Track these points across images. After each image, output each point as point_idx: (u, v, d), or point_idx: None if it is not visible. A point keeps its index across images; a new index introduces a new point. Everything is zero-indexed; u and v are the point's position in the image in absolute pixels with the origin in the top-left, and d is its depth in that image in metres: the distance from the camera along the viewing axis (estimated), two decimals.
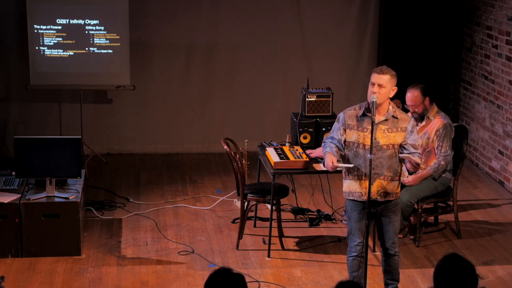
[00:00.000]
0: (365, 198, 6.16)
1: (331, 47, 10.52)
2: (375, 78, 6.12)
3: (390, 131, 6.15)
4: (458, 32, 10.49)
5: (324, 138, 6.36)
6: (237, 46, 10.38)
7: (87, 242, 7.67)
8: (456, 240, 7.86)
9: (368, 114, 6.14)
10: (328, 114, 8.05)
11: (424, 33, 10.44)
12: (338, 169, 6.16)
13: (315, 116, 8.01)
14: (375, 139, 6.10)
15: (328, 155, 6.14)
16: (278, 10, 10.35)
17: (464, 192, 9.05)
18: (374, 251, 7.49)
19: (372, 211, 6.20)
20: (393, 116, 6.17)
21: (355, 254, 6.33)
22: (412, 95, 7.62)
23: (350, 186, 6.24)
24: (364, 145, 6.13)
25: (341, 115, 6.23)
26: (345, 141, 6.20)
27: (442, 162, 7.51)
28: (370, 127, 6.07)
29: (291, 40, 10.45)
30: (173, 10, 10.17)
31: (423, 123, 7.64)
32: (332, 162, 6.07)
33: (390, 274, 6.47)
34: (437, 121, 7.60)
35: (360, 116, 6.17)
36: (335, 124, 6.27)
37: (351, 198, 6.25)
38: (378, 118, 6.12)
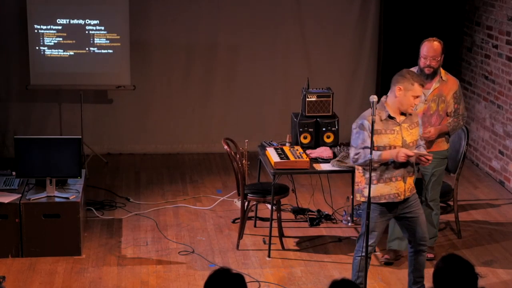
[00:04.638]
0: (401, 198, 6.25)
1: (332, 47, 10.52)
2: (421, 92, 6.20)
3: (411, 128, 6.26)
4: (458, 32, 10.50)
5: (355, 151, 6.19)
6: (238, 46, 10.38)
7: (87, 242, 7.67)
8: (456, 240, 7.86)
9: (393, 116, 6.19)
10: (328, 114, 8.04)
11: (424, 32, 10.35)
12: (409, 159, 6.16)
13: (315, 116, 8.00)
14: (403, 138, 6.18)
15: (391, 151, 6.13)
16: (279, 10, 10.35)
17: (464, 192, 9.05)
18: (374, 251, 7.48)
19: (393, 215, 6.34)
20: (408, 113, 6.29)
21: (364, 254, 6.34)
22: (432, 47, 7.08)
23: (381, 190, 6.24)
24: (395, 147, 6.17)
25: (365, 122, 6.17)
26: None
27: (461, 122, 7.26)
28: (397, 128, 6.18)
29: (291, 39, 10.45)
30: (173, 10, 10.17)
31: (436, 84, 7.14)
32: (405, 153, 6.08)
33: (419, 271, 6.52)
34: (451, 82, 7.19)
35: (384, 120, 6.19)
36: (362, 132, 6.17)
37: (382, 201, 6.25)
38: (400, 118, 6.20)
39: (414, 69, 7.10)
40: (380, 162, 6.16)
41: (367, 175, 6.20)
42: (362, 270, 6.31)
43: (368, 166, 6.10)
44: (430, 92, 7.10)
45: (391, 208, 6.31)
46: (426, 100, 7.05)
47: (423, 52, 7.08)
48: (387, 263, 7.28)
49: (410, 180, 6.30)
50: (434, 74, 7.11)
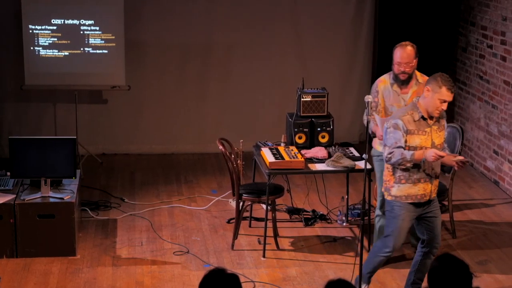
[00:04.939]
0: (427, 199, 6.33)
1: (327, 47, 10.52)
2: (450, 97, 6.17)
3: (439, 130, 6.30)
4: (453, 32, 10.51)
5: (388, 150, 6.19)
6: (233, 46, 10.38)
7: (82, 242, 7.66)
8: (451, 240, 7.87)
9: (425, 117, 6.21)
10: (323, 114, 8.03)
11: (419, 32, 10.44)
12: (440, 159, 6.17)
13: (310, 116, 8.00)
14: (432, 140, 6.21)
15: (422, 151, 6.14)
16: (274, 10, 10.35)
17: (459, 192, 9.06)
18: (369, 251, 7.48)
19: (416, 214, 6.38)
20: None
21: (390, 253, 6.43)
22: (406, 52, 6.97)
23: (409, 190, 6.27)
24: (425, 148, 6.18)
25: (399, 122, 6.17)
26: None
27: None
28: (428, 130, 6.20)
29: (287, 39, 10.45)
30: (168, 10, 10.16)
31: (413, 88, 7.07)
32: (436, 153, 6.09)
33: (422, 273, 6.53)
34: None
35: (417, 120, 6.20)
36: (396, 132, 6.16)
37: (409, 201, 6.29)
38: (430, 120, 6.23)
39: (388, 75, 7.08)
40: (412, 162, 6.17)
41: (397, 174, 6.28)
42: (379, 268, 6.43)
43: (400, 165, 6.18)
44: (409, 97, 7.05)
45: (416, 208, 6.35)
46: (406, 105, 6.96)
47: (397, 58, 6.97)
48: None
49: (436, 182, 6.36)
50: (409, 78, 7.04)
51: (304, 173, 7.68)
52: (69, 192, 7.50)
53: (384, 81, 7.10)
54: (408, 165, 6.19)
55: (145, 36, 10.18)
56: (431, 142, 6.22)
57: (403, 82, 7.00)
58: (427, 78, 7.06)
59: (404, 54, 6.95)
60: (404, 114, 6.22)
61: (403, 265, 7.28)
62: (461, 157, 6.24)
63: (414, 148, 6.18)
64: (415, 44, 7.04)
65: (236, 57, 10.41)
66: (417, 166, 6.21)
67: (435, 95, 6.14)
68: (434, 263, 4.36)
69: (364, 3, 10.47)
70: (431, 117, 6.23)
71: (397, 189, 6.29)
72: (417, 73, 7.10)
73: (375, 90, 7.12)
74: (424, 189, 6.29)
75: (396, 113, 6.37)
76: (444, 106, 6.18)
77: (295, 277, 7.09)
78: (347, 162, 7.40)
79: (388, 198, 6.37)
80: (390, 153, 6.18)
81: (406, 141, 6.17)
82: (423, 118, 6.20)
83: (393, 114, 6.42)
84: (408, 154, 6.12)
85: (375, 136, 7.23)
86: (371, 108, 6.46)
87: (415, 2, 10.42)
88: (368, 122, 6.42)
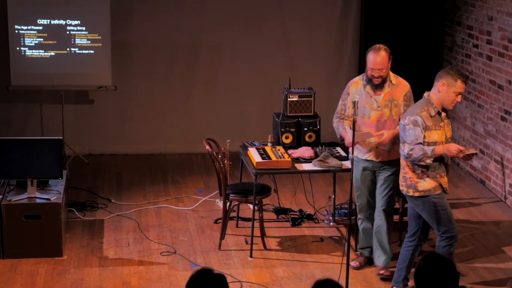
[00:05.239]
0: (448, 192, 6.44)
1: (313, 47, 10.53)
2: (464, 89, 6.30)
3: (449, 124, 6.42)
4: (439, 32, 10.53)
5: (409, 147, 6.23)
6: (220, 46, 10.38)
7: (69, 243, 7.64)
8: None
9: (441, 111, 6.32)
10: (310, 114, 8.05)
11: (405, 32, 10.47)
12: (463, 155, 6.26)
13: (297, 116, 8.01)
14: (445, 134, 6.32)
15: (442, 146, 6.23)
16: (261, 10, 10.36)
17: None
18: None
19: None
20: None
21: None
22: (381, 58, 6.80)
23: (433, 183, 6.34)
24: (443, 143, 6.28)
25: (418, 119, 6.24)
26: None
27: None
28: (442, 124, 6.32)
29: (274, 40, 10.46)
30: (155, 10, 10.15)
31: (386, 89, 6.93)
32: (458, 147, 6.23)
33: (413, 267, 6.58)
34: (402, 85, 6.99)
35: (434, 116, 6.28)
36: (416, 129, 6.23)
37: (438, 192, 6.35)
38: (444, 115, 6.35)
39: (362, 76, 7.04)
40: (433, 158, 6.23)
41: (418, 171, 6.33)
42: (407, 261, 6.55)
43: (420, 161, 6.23)
44: (381, 98, 6.93)
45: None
46: (378, 107, 6.92)
47: (370, 64, 6.85)
48: (357, 268, 7.24)
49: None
50: (383, 82, 6.92)
51: (291, 173, 7.69)
52: (55, 192, 7.48)
53: (356, 82, 7.04)
54: (428, 161, 6.23)
55: (131, 37, 10.17)
56: (444, 136, 6.32)
57: (377, 86, 6.96)
58: (400, 79, 7.06)
59: (377, 59, 6.82)
60: (421, 110, 6.29)
61: (390, 265, 7.29)
62: (470, 150, 6.32)
63: (434, 144, 6.25)
64: (388, 48, 6.90)
65: (223, 58, 10.41)
66: (436, 161, 6.27)
67: (450, 88, 6.25)
68: (420, 263, 4.36)
69: (351, 3, 10.49)
70: (444, 110, 6.33)
71: (423, 184, 6.34)
72: (391, 74, 7.02)
73: (346, 93, 7.09)
74: (445, 182, 6.40)
75: (411, 109, 6.43)
76: (459, 99, 6.30)
77: (282, 277, 7.09)
78: (334, 162, 7.41)
79: (415, 194, 6.37)
80: (411, 149, 6.23)
81: (424, 137, 6.23)
82: (438, 113, 6.28)
83: (408, 111, 6.48)
84: (429, 149, 6.20)
85: (343, 140, 7.17)
86: (357, 109, 6.46)
87: (401, 2, 10.44)
88: (355, 122, 6.41)
